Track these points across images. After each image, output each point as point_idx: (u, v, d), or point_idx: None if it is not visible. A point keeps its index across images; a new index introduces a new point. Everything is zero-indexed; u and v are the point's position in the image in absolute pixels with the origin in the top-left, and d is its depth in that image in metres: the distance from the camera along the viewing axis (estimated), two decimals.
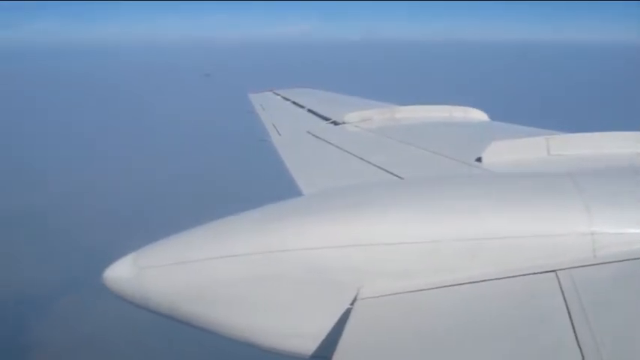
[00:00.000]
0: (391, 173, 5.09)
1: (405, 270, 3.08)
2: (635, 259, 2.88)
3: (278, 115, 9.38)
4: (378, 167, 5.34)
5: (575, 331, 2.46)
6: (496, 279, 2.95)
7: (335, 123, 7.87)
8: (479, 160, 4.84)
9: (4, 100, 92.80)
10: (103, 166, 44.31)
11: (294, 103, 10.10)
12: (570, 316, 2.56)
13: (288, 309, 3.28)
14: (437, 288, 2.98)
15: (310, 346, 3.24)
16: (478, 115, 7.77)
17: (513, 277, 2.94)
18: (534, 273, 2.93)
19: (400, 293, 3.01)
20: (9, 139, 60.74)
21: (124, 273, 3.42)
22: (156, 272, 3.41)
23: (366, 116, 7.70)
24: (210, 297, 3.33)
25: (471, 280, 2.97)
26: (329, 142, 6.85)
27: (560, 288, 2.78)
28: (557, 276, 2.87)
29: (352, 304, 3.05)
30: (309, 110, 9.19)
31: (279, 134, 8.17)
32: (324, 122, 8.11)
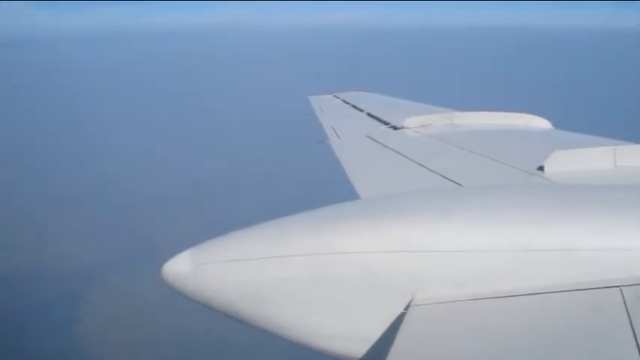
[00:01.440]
0: (450, 180, 5.02)
1: (461, 278, 3.03)
2: None
3: (337, 118, 9.41)
4: (437, 173, 5.29)
5: (639, 350, 2.37)
6: (556, 292, 2.86)
7: (394, 127, 7.85)
8: (541, 168, 4.73)
9: (58, 86, 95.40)
10: (166, 160, 45.38)
11: (354, 106, 10.11)
12: (634, 334, 2.46)
13: (341, 311, 3.28)
14: (493, 298, 2.92)
15: (361, 349, 3.23)
16: (540, 123, 7.59)
17: (575, 290, 2.85)
18: (597, 288, 2.83)
19: (455, 301, 2.96)
20: (67, 126, 62.53)
21: (181, 268, 3.50)
22: (212, 269, 3.48)
23: (425, 121, 7.65)
24: (264, 295, 3.37)
25: (529, 292, 2.90)
26: (387, 147, 6.83)
27: (625, 304, 2.67)
28: (621, 292, 2.77)
29: (406, 309, 3.03)
30: (369, 114, 9.18)
31: (338, 137, 8.20)
32: (384, 126, 8.09)
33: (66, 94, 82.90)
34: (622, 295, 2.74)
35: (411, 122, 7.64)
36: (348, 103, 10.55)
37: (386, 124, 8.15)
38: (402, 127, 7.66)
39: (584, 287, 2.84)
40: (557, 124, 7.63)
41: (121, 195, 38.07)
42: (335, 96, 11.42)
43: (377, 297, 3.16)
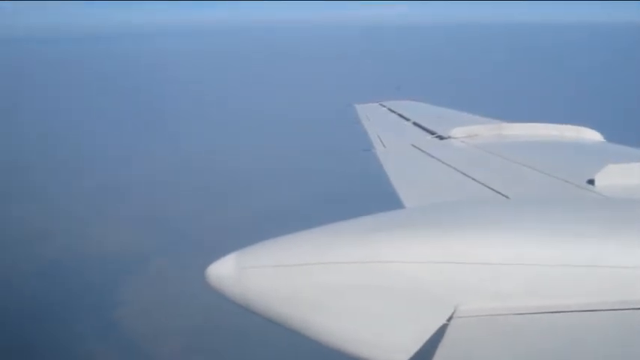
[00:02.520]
0: (497, 192, 4.97)
1: (505, 291, 3.00)
2: None
3: (383, 127, 9.41)
4: (484, 185, 5.24)
5: None
6: (601, 310, 2.80)
7: (440, 137, 7.81)
8: (591, 182, 4.63)
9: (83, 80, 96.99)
10: (209, 163, 45.99)
11: (400, 115, 10.09)
12: None
13: (383, 319, 3.29)
14: (538, 313, 2.88)
15: (401, 358, 3.23)
16: (591, 135, 7.42)
17: (622, 309, 2.78)
18: None
19: (499, 315, 2.94)
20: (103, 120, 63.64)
21: (225, 271, 3.57)
22: (257, 273, 3.54)
23: (472, 132, 7.58)
24: (308, 302, 3.40)
25: (575, 309, 2.85)
26: (433, 157, 6.80)
27: None
28: None
29: (449, 320, 3.01)
30: (415, 123, 9.16)
31: (384, 146, 8.19)
32: (430, 136, 8.06)
33: (120, 96, 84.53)
34: None
35: (458, 132, 7.59)
36: (394, 111, 10.55)
37: (432, 133, 8.11)
38: (449, 137, 7.61)
39: (631, 307, 2.78)
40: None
41: (170, 194, 38.80)
42: (381, 104, 11.43)
43: (420, 307, 3.16)
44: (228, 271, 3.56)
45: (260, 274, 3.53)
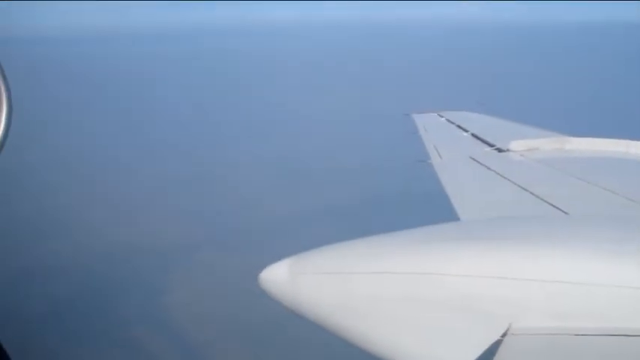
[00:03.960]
0: (556, 207, 4.86)
1: (562, 311, 2.93)
2: None
3: (440, 138, 9.33)
4: (543, 200, 5.13)
5: None
6: None
7: (499, 150, 7.70)
8: None
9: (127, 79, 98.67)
10: (263, 170, 46.52)
11: (459, 126, 9.98)
12: None
13: (434, 333, 3.26)
14: (595, 336, 2.80)
15: None
16: None
17: None
18: None
19: (555, 335, 2.87)
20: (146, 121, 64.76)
21: (279, 276, 3.63)
22: (309, 279, 3.58)
23: (532, 145, 7.44)
24: (359, 310, 3.41)
25: (632, 333, 2.75)
26: (491, 169, 6.70)
27: None
28: None
29: (502, 336, 2.96)
30: (473, 135, 9.04)
31: (440, 157, 8.12)
32: (488, 148, 7.95)
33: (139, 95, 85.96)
34: None
35: (517, 145, 7.46)
36: (452, 122, 10.43)
37: (490, 146, 8.00)
38: (508, 150, 7.49)
39: None
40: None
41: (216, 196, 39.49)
42: (439, 114, 11.32)
43: (473, 322, 3.12)
44: (281, 277, 3.61)
45: (312, 281, 3.57)
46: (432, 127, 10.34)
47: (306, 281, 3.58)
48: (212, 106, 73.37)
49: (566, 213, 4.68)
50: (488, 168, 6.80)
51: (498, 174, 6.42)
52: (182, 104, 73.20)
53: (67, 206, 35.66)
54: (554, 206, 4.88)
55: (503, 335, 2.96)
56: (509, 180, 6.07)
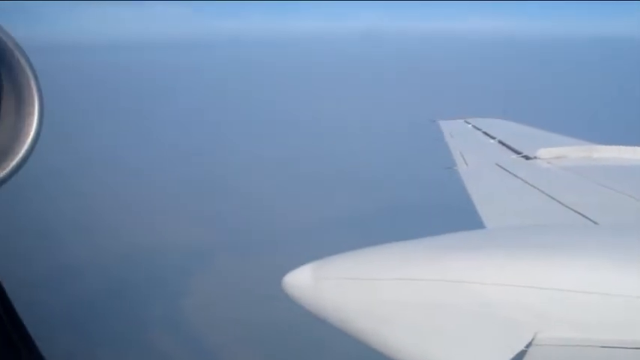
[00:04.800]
0: (584, 216, 4.78)
1: (588, 322, 2.88)
2: None
3: (467, 145, 9.26)
4: (570, 208, 5.05)
5: None
6: None
7: (526, 157, 7.62)
8: None
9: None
10: (289, 174, 46.72)
11: (485, 133, 9.90)
12: None
13: (457, 340, 3.23)
14: (622, 348, 2.74)
15: None
16: None
17: None
18: None
19: (581, 346, 2.82)
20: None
21: (302, 281, 3.63)
22: (333, 284, 3.58)
23: (560, 153, 7.36)
24: (383, 316, 3.40)
25: None
26: (518, 177, 6.64)
27: None
28: None
29: (527, 347, 2.92)
30: (500, 142, 8.96)
31: (467, 164, 8.07)
32: (515, 155, 7.88)
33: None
34: None
35: (545, 153, 7.38)
36: (479, 129, 10.35)
37: (517, 153, 7.92)
38: (535, 158, 7.42)
39: None
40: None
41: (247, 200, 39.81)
42: (466, 121, 11.24)
43: (497, 331, 3.08)
44: (305, 281, 3.62)
45: (336, 286, 3.57)
46: (458, 133, 10.27)
47: (330, 286, 3.58)
48: (241, 113, 74.06)
49: (595, 222, 4.60)
50: (515, 175, 6.73)
51: (525, 182, 6.36)
52: (207, 112, 74.04)
53: (88, 209, 36.31)
54: (582, 215, 4.81)
55: (528, 345, 2.92)
56: (536, 188, 6.00)
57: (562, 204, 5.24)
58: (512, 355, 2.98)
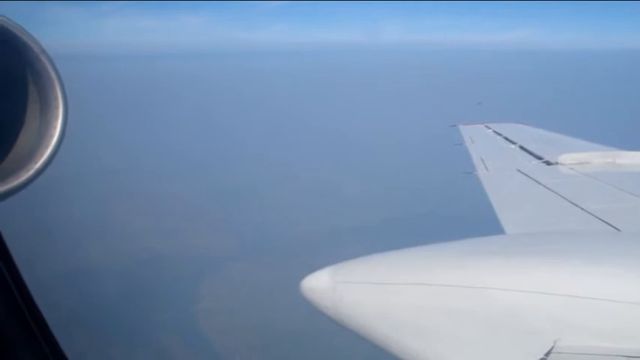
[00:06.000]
0: (607, 223, 4.72)
1: (610, 330, 2.84)
2: None
3: (487, 150, 9.21)
4: (592, 215, 4.99)
5: None
6: None
7: (548, 163, 7.56)
8: None
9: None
10: (310, 180, 46.81)
11: (506, 138, 9.83)
12: None
13: (475, 346, 3.21)
14: None
15: None
16: None
17: None
18: None
19: (602, 355, 2.78)
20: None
21: (320, 284, 3.63)
22: (351, 288, 3.57)
23: (583, 159, 7.28)
24: (401, 320, 3.39)
25: None
26: (539, 183, 6.58)
27: None
28: None
29: (547, 355, 2.89)
30: (521, 147, 8.90)
31: (487, 169, 8.02)
32: (536, 161, 7.81)
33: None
34: None
35: (567, 159, 7.31)
36: (499, 134, 10.27)
37: (539, 158, 7.85)
38: (556, 163, 7.35)
39: None
40: None
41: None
42: (486, 126, 11.17)
43: (517, 338, 3.05)
44: (323, 285, 3.62)
45: (354, 290, 3.56)
46: (478, 138, 10.21)
47: (348, 290, 3.58)
48: (263, 121, 74.57)
49: (617, 229, 4.54)
50: (537, 181, 6.67)
51: (547, 187, 6.30)
52: (228, 120, 74.70)
53: (107, 213, 36.78)
54: (605, 222, 4.75)
55: (548, 353, 2.88)
56: (557, 194, 5.94)
57: (584, 210, 5.19)
58: None
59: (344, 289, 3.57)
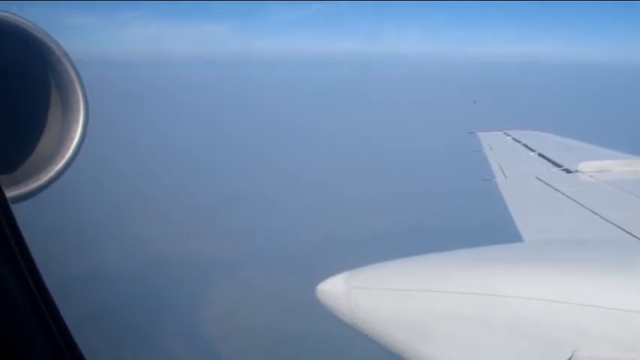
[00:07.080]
0: (627, 232, 4.66)
1: (630, 342, 2.80)
2: None
3: (506, 157, 9.15)
4: (612, 223, 4.93)
5: None
6: None
7: (567, 170, 7.49)
8: None
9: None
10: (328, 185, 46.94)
11: (525, 145, 9.76)
12: None
13: (492, 354, 3.18)
14: None
15: None
16: None
17: None
18: None
19: None
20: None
21: (335, 289, 3.63)
22: (367, 294, 3.56)
23: (603, 166, 7.20)
24: (416, 327, 3.37)
25: None
26: (558, 190, 6.52)
27: None
28: None
29: None
30: (540, 154, 8.83)
31: (505, 176, 7.97)
32: (555, 168, 7.75)
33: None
34: None
35: (586, 166, 7.23)
36: (518, 141, 10.21)
37: (558, 166, 7.79)
38: (576, 171, 7.28)
39: None
40: None
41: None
42: (505, 133, 11.10)
43: (534, 346, 3.02)
44: (339, 290, 3.62)
45: (370, 295, 3.56)
46: (497, 145, 10.15)
47: (364, 295, 3.57)
48: (283, 130, 74.85)
49: (638, 239, 4.48)
50: (556, 189, 6.61)
51: (566, 195, 6.24)
52: (248, 129, 75.12)
53: (124, 217, 37.17)
54: (625, 231, 4.69)
55: None
56: (577, 202, 5.88)
57: (604, 219, 5.12)
58: None
59: (360, 294, 3.57)
